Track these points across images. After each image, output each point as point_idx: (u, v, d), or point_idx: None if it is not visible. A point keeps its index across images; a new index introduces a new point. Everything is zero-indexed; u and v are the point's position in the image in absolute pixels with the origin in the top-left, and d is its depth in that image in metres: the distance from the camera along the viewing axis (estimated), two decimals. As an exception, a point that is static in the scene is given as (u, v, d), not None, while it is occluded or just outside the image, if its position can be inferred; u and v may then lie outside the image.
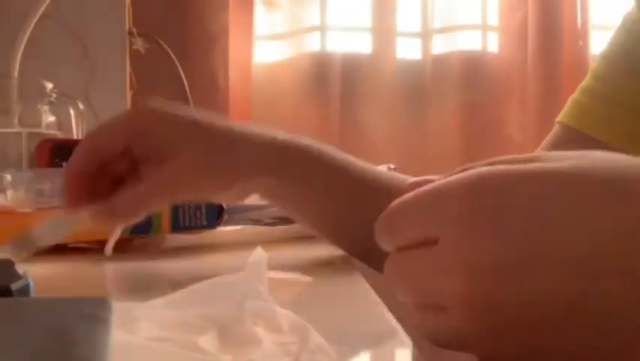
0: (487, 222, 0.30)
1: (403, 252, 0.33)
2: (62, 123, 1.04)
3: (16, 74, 1.11)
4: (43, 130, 1.00)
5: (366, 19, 1.70)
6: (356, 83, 1.67)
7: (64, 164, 0.88)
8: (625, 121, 0.71)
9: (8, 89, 1.02)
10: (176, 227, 0.71)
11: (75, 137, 1.06)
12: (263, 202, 0.89)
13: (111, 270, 0.66)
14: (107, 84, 1.51)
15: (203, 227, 0.72)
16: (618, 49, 0.74)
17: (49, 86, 1.02)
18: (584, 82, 0.77)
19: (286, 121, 1.64)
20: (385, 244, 0.34)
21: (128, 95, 1.56)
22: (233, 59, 1.66)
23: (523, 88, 1.72)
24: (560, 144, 0.76)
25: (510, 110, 1.72)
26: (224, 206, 0.74)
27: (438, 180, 0.33)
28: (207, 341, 0.33)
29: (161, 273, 0.64)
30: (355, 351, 0.41)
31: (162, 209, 0.71)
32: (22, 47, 1.12)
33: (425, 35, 1.72)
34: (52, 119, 1.02)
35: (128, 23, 1.56)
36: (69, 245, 0.72)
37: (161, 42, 1.60)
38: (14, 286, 0.35)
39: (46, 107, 1.02)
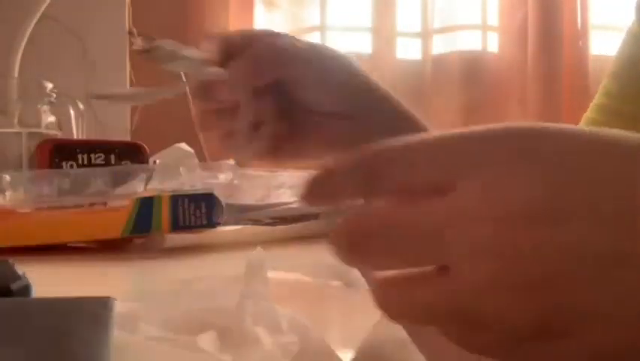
0: (531, 166, 0.27)
1: (396, 205, 0.28)
2: (62, 123, 1.04)
3: (16, 74, 1.11)
4: (43, 130, 1.00)
5: (366, 19, 1.71)
6: (356, 83, 1.67)
7: (64, 164, 0.88)
8: None
9: (8, 89, 1.02)
10: (176, 226, 0.71)
11: (75, 137, 1.06)
12: (263, 202, 0.89)
13: (111, 270, 0.66)
14: (107, 84, 1.51)
15: (203, 226, 0.72)
16: (625, 63, 0.74)
17: (49, 86, 1.02)
18: (596, 100, 0.77)
19: (286, 121, 1.64)
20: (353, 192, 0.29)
21: (128, 95, 1.56)
22: (233, 59, 1.66)
23: (523, 88, 1.72)
24: None
25: (510, 111, 1.72)
26: (224, 206, 0.74)
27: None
28: (207, 341, 0.33)
29: (161, 273, 0.64)
30: (355, 351, 0.41)
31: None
32: (22, 47, 1.12)
33: (425, 35, 1.73)
34: (52, 119, 1.02)
35: (128, 23, 1.56)
36: (69, 245, 0.72)
37: (161, 42, 1.60)
38: (14, 286, 0.35)
39: (46, 107, 1.02)
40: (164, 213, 0.70)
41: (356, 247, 0.28)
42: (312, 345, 0.33)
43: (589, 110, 0.77)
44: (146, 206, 0.70)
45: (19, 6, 1.17)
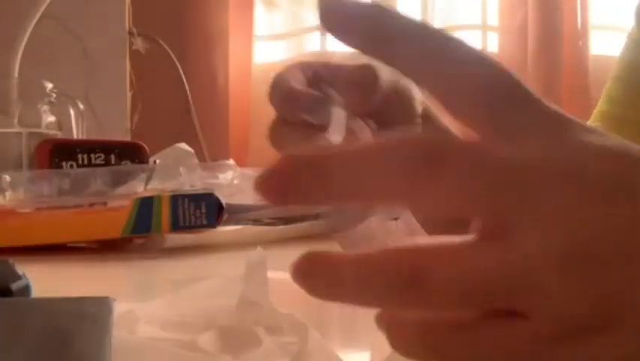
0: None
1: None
2: (62, 123, 1.04)
3: (16, 74, 1.11)
4: (43, 130, 1.00)
5: (366, 19, 1.71)
6: (356, 83, 1.67)
7: (64, 164, 0.88)
8: None
9: (8, 89, 1.02)
10: (176, 226, 0.71)
11: (75, 137, 1.06)
12: (263, 202, 0.89)
13: (111, 270, 0.66)
14: (107, 84, 1.51)
15: (203, 226, 0.72)
16: (627, 68, 0.74)
17: (49, 86, 1.02)
18: (599, 107, 0.77)
19: (286, 121, 1.64)
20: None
21: (128, 95, 1.56)
22: (234, 59, 1.66)
23: (523, 88, 1.72)
24: None
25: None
26: (224, 206, 0.74)
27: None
28: (207, 341, 0.33)
29: (161, 273, 0.64)
30: (355, 351, 0.41)
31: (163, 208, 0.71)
32: (22, 47, 1.12)
33: (425, 35, 1.73)
34: (52, 119, 1.02)
35: (128, 23, 1.56)
36: (69, 245, 0.72)
37: (161, 42, 1.60)
38: (14, 286, 0.35)
39: (46, 107, 1.02)
40: (164, 213, 0.70)
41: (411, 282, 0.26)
42: (312, 345, 0.33)
43: (592, 117, 0.77)
44: (146, 206, 0.70)
45: (19, 6, 1.17)
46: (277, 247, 0.73)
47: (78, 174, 0.80)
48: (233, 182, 0.80)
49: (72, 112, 1.07)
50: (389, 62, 0.29)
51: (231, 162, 0.88)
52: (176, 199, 0.71)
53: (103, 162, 0.88)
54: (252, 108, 1.67)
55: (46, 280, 0.42)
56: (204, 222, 0.72)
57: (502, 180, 0.25)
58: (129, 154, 0.89)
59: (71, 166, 0.87)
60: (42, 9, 1.15)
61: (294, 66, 0.50)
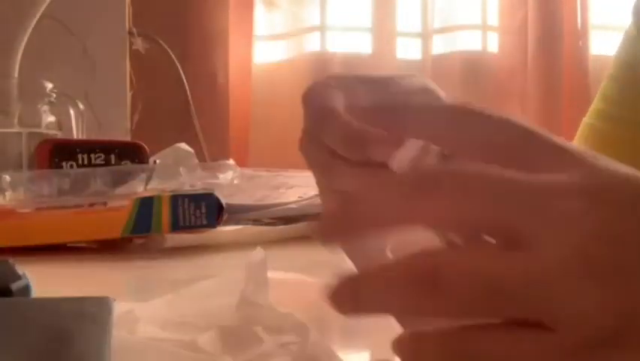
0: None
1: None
2: (62, 123, 1.04)
3: (16, 74, 1.11)
4: (43, 130, 1.00)
5: (366, 19, 1.71)
6: (356, 83, 1.67)
7: (64, 164, 0.88)
8: None
9: (8, 89, 1.02)
10: (176, 226, 0.71)
11: (75, 137, 1.06)
12: (263, 202, 0.89)
13: (111, 270, 0.66)
14: (107, 84, 1.51)
15: (203, 226, 0.72)
16: (622, 66, 0.74)
17: (49, 86, 1.02)
18: (595, 105, 0.76)
19: (286, 121, 1.64)
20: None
21: (128, 95, 1.56)
22: (233, 59, 1.66)
23: (523, 88, 1.72)
24: None
25: (510, 110, 1.72)
26: (224, 206, 0.74)
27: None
28: (207, 341, 0.33)
29: (161, 273, 0.64)
30: (355, 351, 0.41)
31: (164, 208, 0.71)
32: (22, 47, 1.12)
33: (425, 35, 1.73)
34: (52, 119, 1.02)
35: (128, 23, 1.56)
36: (69, 245, 0.72)
37: (161, 42, 1.60)
38: (14, 286, 0.35)
39: (46, 107, 1.02)
40: (164, 213, 0.70)
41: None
42: (312, 345, 0.33)
43: (588, 115, 0.77)
44: (146, 206, 0.70)
45: (19, 6, 1.17)
46: (277, 247, 0.73)
47: (78, 174, 0.80)
48: (233, 182, 0.80)
49: (72, 112, 1.07)
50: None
51: (231, 162, 0.88)
52: (176, 199, 0.71)
53: (103, 162, 0.88)
54: (252, 108, 1.67)
55: (46, 280, 0.42)
56: (204, 222, 0.72)
57: (516, 195, 0.26)
58: (129, 154, 0.89)
59: (71, 166, 0.87)
60: (42, 9, 1.15)
61: (328, 84, 0.46)
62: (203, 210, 0.72)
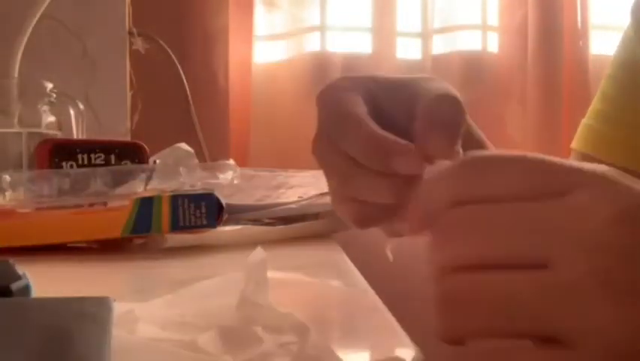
0: None
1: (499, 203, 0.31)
2: (62, 123, 1.04)
3: (16, 74, 1.11)
4: (43, 130, 1.00)
5: (366, 19, 1.70)
6: (356, 83, 1.67)
7: (64, 164, 0.88)
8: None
9: (8, 89, 1.02)
10: (176, 226, 0.71)
11: (75, 137, 1.06)
12: (263, 202, 0.89)
13: (111, 270, 0.66)
14: (107, 84, 1.51)
15: (203, 226, 0.72)
16: (620, 66, 0.73)
17: (49, 86, 1.02)
18: (594, 105, 0.76)
19: (286, 121, 1.64)
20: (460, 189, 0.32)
21: (128, 95, 1.56)
22: (233, 59, 1.66)
23: (523, 88, 1.72)
24: None
25: (510, 110, 1.72)
26: (224, 205, 0.74)
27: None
28: (207, 341, 0.33)
29: (161, 273, 0.64)
30: (355, 351, 0.41)
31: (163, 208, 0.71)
32: (22, 47, 1.12)
33: (425, 35, 1.72)
34: (52, 119, 1.02)
35: (128, 23, 1.56)
36: (69, 245, 0.72)
37: (161, 42, 1.60)
38: (14, 286, 0.35)
39: (46, 107, 1.02)
40: (164, 213, 0.70)
41: (459, 230, 0.31)
42: (312, 345, 0.33)
43: (587, 116, 0.77)
44: (146, 206, 0.70)
45: (19, 6, 1.17)
46: (277, 247, 0.73)
47: (78, 174, 0.80)
48: (233, 182, 0.80)
49: (72, 112, 1.07)
50: None
51: (231, 162, 0.88)
52: (176, 199, 0.71)
53: (103, 162, 0.88)
54: (252, 108, 1.67)
55: (46, 280, 0.42)
56: (204, 222, 0.72)
57: (542, 224, 0.30)
58: (129, 154, 0.89)
59: (71, 166, 0.87)
60: (42, 9, 1.15)
61: (344, 86, 0.44)
62: (203, 210, 0.72)
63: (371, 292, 0.52)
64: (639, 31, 0.71)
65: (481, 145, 0.55)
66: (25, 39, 1.13)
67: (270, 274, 0.36)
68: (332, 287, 0.58)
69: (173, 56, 1.60)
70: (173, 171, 0.78)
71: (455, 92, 0.47)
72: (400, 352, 0.40)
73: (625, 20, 0.74)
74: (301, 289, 0.57)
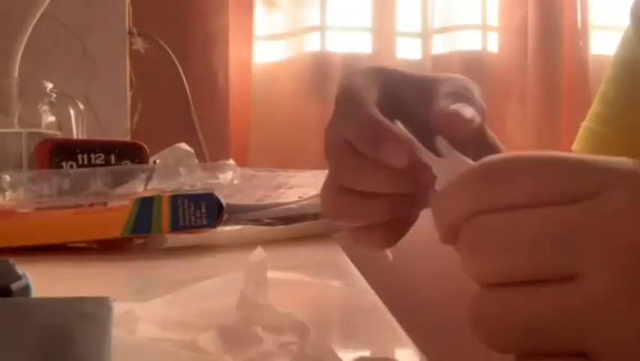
0: None
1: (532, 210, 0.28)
2: (62, 123, 1.04)
3: (16, 74, 1.11)
4: (43, 130, 1.00)
5: (366, 19, 1.70)
6: (356, 83, 1.67)
7: (64, 164, 0.88)
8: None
9: (8, 89, 1.02)
10: (176, 226, 0.71)
11: (75, 137, 1.06)
12: (263, 202, 0.89)
13: (111, 270, 0.66)
14: (107, 84, 1.51)
15: (203, 226, 0.72)
16: (620, 68, 0.73)
17: (49, 86, 1.02)
18: (594, 108, 0.76)
19: (286, 121, 1.64)
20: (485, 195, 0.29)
21: (128, 95, 1.56)
22: (233, 59, 1.66)
23: (523, 88, 1.72)
24: None
25: (510, 110, 1.72)
26: (224, 205, 0.74)
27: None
28: (207, 341, 0.33)
29: (161, 273, 0.64)
30: (355, 351, 0.41)
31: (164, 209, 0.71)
32: (22, 47, 1.12)
33: (425, 35, 1.73)
34: (52, 119, 1.02)
35: (128, 23, 1.56)
36: (69, 245, 0.72)
37: (161, 42, 1.60)
38: (14, 286, 0.35)
39: (46, 107, 1.02)
40: (164, 213, 0.70)
41: (480, 245, 0.28)
42: (312, 345, 0.33)
43: (587, 118, 0.76)
44: (146, 206, 0.70)
45: (19, 6, 1.17)
46: (277, 247, 0.73)
47: (78, 174, 0.80)
48: (233, 182, 0.80)
49: (72, 112, 1.07)
50: None
51: (231, 162, 0.88)
52: (176, 199, 0.71)
53: (103, 162, 0.88)
54: (252, 108, 1.67)
55: (46, 280, 0.42)
56: (204, 222, 0.72)
57: (569, 236, 0.27)
58: (129, 154, 0.89)
59: (71, 166, 0.87)
60: (42, 9, 1.15)
61: (366, 76, 0.43)
62: (203, 210, 0.72)
63: (371, 292, 0.52)
64: (639, 32, 0.71)
65: (495, 150, 0.52)
66: (25, 39, 1.13)
67: (270, 274, 0.36)
68: (332, 287, 0.58)
69: (173, 56, 1.60)
70: (173, 171, 0.78)
71: (476, 87, 0.47)
72: (400, 352, 0.40)
73: (625, 20, 0.74)
74: (301, 289, 0.57)
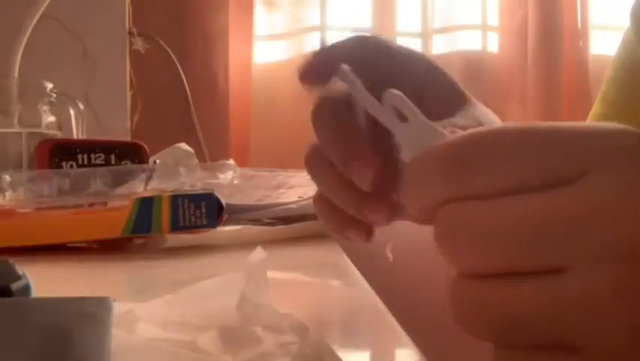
0: None
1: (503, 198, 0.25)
2: (62, 123, 1.04)
3: (16, 74, 1.11)
4: (43, 130, 1.00)
5: (366, 19, 1.71)
6: (356, 83, 1.67)
7: (64, 164, 0.88)
8: None
9: (8, 89, 1.02)
10: (176, 226, 0.71)
11: (75, 137, 1.06)
12: (263, 202, 0.89)
13: (111, 270, 0.65)
14: (107, 84, 1.51)
15: (203, 226, 0.72)
16: (620, 69, 0.73)
17: (49, 86, 1.02)
18: (594, 109, 0.76)
19: (286, 121, 1.64)
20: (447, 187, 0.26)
21: (128, 95, 1.56)
22: (233, 59, 1.66)
23: (523, 88, 1.72)
24: None
25: (510, 111, 1.72)
26: (224, 206, 0.74)
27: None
28: (207, 341, 0.33)
29: (161, 273, 0.64)
30: (355, 351, 0.41)
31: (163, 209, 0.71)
32: (22, 47, 1.12)
33: (425, 35, 1.73)
34: (52, 119, 1.02)
35: (128, 23, 1.56)
36: (69, 245, 0.72)
37: (161, 42, 1.60)
38: (14, 286, 0.35)
39: (46, 107, 1.02)
40: (164, 213, 0.70)
41: (455, 239, 0.26)
42: (312, 345, 0.33)
43: (588, 119, 0.76)
44: (146, 206, 0.70)
45: (19, 6, 1.17)
46: (277, 247, 0.73)
47: (78, 174, 0.80)
48: (233, 182, 0.80)
49: (72, 112, 1.07)
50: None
51: (231, 162, 0.88)
52: (176, 199, 0.71)
53: (103, 162, 0.88)
54: (252, 108, 1.67)
55: (46, 280, 0.42)
56: (204, 222, 0.72)
57: (547, 232, 0.25)
58: (129, 154, 0.89)
59: (71, 166, 0.87)
60: (42, 9, 1.15)
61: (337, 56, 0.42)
62: (203, 210, 0.72)
63: (371, 292, 0.52)
64: (639, 33, 0.71)
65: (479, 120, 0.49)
66: (25, 39, 1.13)
67: (270, 274, 0.36)
68: (332, 287, 0.58)
69: (173, 56, 1.60)
70: (173, 171, 0.78)
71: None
72: (400, 352, 0.40)
73: (625, 21, 0.74)
74: (301, 289, 0.57)
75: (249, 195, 0.91)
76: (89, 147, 0.89)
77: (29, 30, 1.13)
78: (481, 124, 0.48)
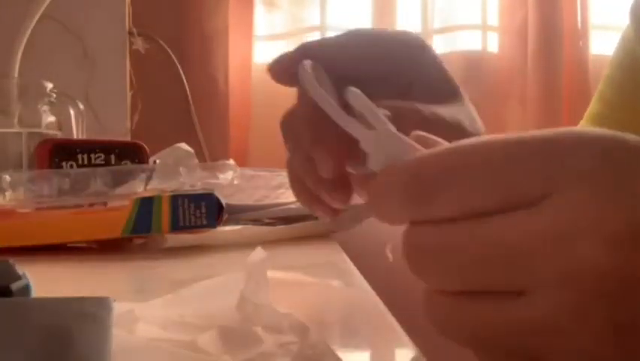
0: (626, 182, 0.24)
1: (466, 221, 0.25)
2: (62, 123, 1.04)
3: (16, 74, 1.11)
4: (43, 130, 1.00)
5: (366, 19, 1.71)
6: (356, 83, 1.67)
7: (64, 164, 0.88)
8: None
9: (8, 89, 1.02)
10: (176, 226, 0.71)
11: (75, 137, 1.06)
12: (263, 202, 0.89)
13: (111, 270, 0.66)
14: (107, 84, 1.51)
15: (203, 226, 0.72)
16: (618, 68, 0.73)
17: (49, 86, 1.02)
18: (591, 108, 0.76)
19: (286, 121, 1.64)
20: (410, 212, 0.26)
21: (128, 95, 1.56)
22: (233, 59, 1.66)
23: (523, 88, 1.72)
24: None
25: (510, 110, 1.72)
26: (224, 206, 0.74)
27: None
28: (207, 341, 0.33)
29: (161, 273, 0.64)
30: (355, 351, 0.41)
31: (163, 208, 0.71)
32: (22, 47, 1.12)
33: (425, 35, 1.73)
34: (52, 119, 1.02)
35: (128, 23, 1.56)
36: (69, 245, 0.72)
37: (161, 42, 1.60)
38: (14, 286, 0.35)
39: (46, 107, 1.02)
40: (164, 213, 0.70)
41: (418, 263, 0.27)
42: (312, 345, 0.33)
43: (584, 118, 0.76)
44: (146, 206, 0.70)
45: (19, 6, 1.17)
46: (277, 247, 0.73)
47: (78, 174, 0.80)
48: (233, 182, 0.80)
49: (72, 112, 1.07)
50: None
51: (231, 162, 0.88)
52: (176, 199, 0.71)
53: (103, 162, 0.88)
54: (252, 108, 1.67)
55: (46, 280, 0.42)
56: (204, 222, 0.72)
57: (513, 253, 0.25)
58: (129, 154, 0.89)
59: (71, 166, 0.87)
60: (42, 9, 1.15)
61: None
62: (203, 210, 0.72)
63: (371, 292, 0.52)
64: (639, 31, 0.71)
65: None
66: (25, 39, 1.13)
67: (270, 274, 0.36)
68: (332, 287, 0.58)
69: (173, 56, 1.60)
70: (173, 171, 0.78)
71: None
72: (400, 352, 0.40)
73: (625, 20, 0.74)
74: (301, 289, 0.57)
75: (249, 195, 0.91)
76: (89, 147, 0.89)
77: (29, 30, 1.13)
78: (473, 120, 0.48)
